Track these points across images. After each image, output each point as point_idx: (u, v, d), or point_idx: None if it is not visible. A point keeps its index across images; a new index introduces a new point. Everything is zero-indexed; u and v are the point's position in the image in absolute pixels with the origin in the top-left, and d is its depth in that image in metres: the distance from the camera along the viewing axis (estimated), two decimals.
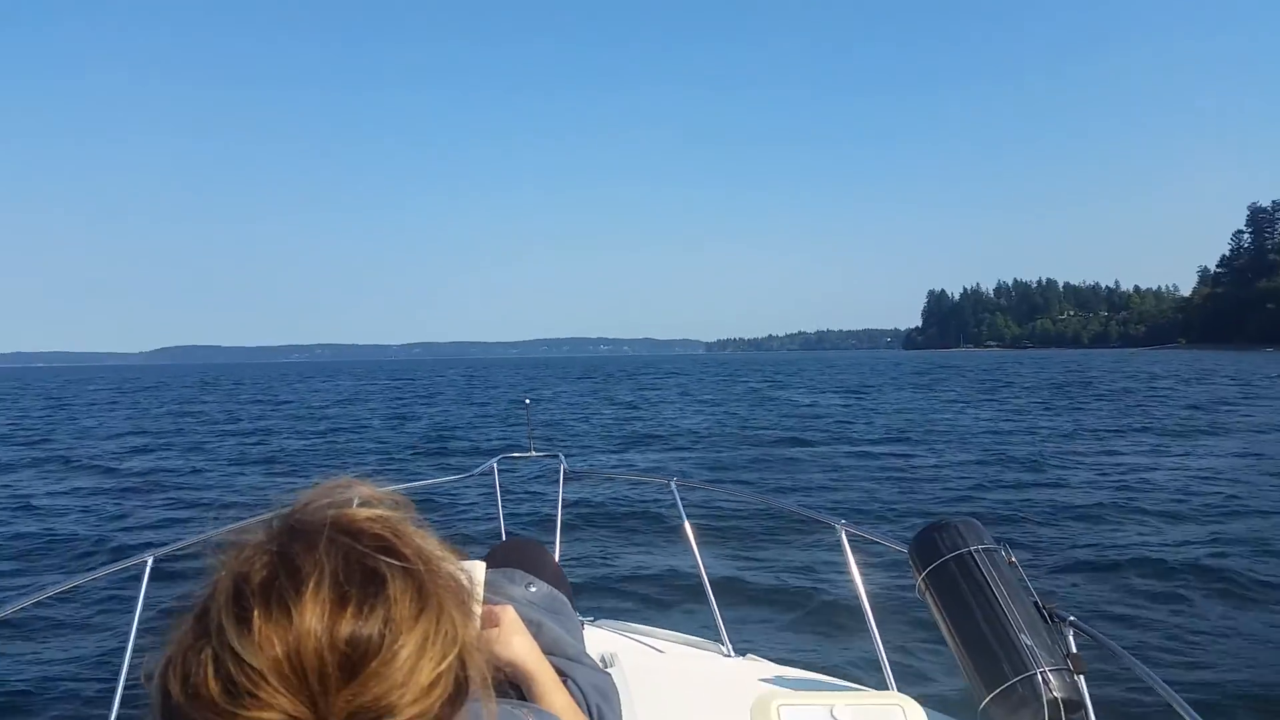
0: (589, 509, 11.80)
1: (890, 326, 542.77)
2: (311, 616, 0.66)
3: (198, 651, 0.67)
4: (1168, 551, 9.39)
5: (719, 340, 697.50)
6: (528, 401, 6.20)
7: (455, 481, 5.09)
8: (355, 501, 0.78)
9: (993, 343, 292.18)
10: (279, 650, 0.65)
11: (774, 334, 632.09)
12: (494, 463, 4.57)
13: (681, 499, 3.78)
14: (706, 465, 18.04)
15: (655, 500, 11.85)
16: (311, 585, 0.68)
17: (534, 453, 4.94)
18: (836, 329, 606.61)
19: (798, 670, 3.03)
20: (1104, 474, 15.25)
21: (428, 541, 0.78)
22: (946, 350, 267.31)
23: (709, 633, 3.43)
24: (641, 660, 3.11)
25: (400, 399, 46.92)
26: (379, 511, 0.77)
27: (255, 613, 0.67)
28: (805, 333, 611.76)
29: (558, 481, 4.42)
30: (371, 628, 0.68)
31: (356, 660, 0.67)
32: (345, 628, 0.67)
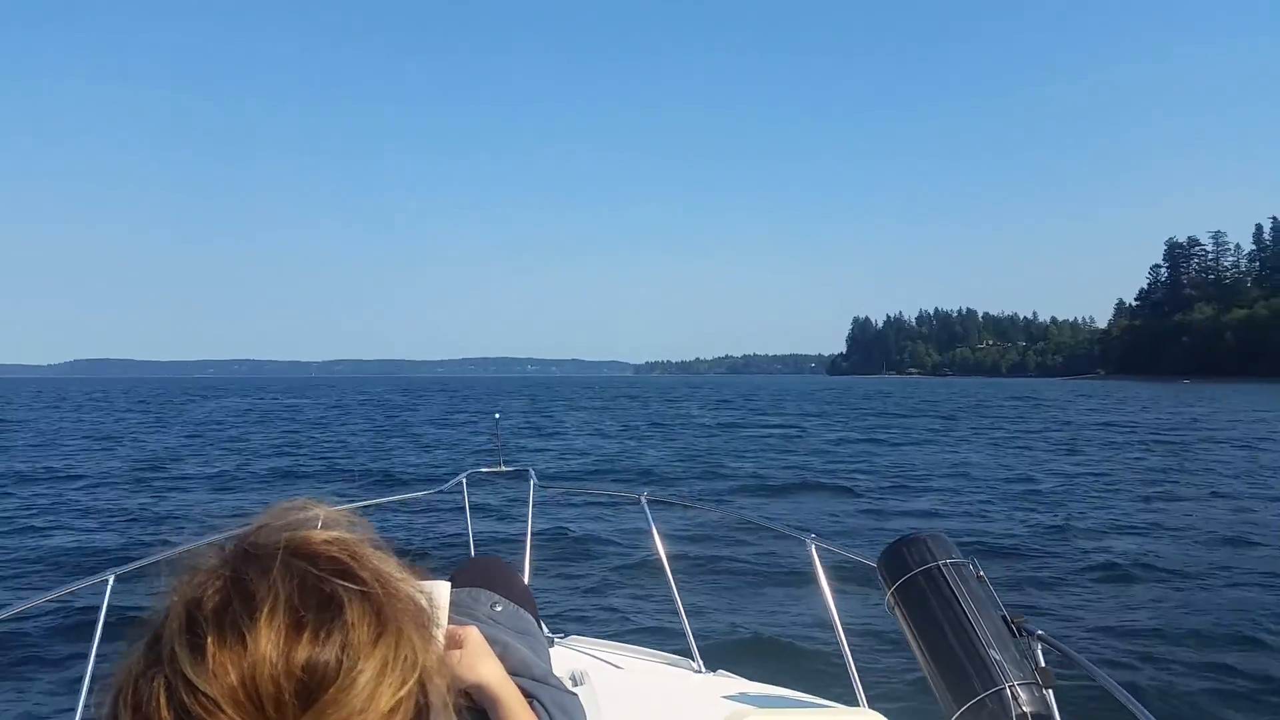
0: (560, 524, 11.74)
1: (815, 352, 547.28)
2: (267, 643, 0.64)
3: (150, 680, 0.65)
4: (1131, 564, 9.53)
5: (647, 362, 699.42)
6: (497, 416, 6.18)
7: (424, 497, 5.04)
8: (313, 523, 0.76)
9: (914, 370, 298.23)
10: (234, 678, 0.63)
11: (701, 357, 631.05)
12: (463, 477, 4.53)
13: (652, 514, 3.77)
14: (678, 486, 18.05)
15: (626, 515, 11.81)
16: (266, 611, 0.66)
17: (504, 467, 4.91)
18: (763, 353, 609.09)
19: (769, 686, 3.02)
20: (1070, 492, 15.45)
21: (386, 563, 0.75)
22: (869, 376, 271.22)
23: (680, 649, 3.41)
24: (611, 678, 3.08)
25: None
26: (335, 534, 0.75)
27: (209, 639, 0.64)
28: (732, 356, 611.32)
29: (528, 496, 4.39)
30: (329, 654, 0.65)
31: (314, 687, 0.64)
32: (301, 654, 0.65)
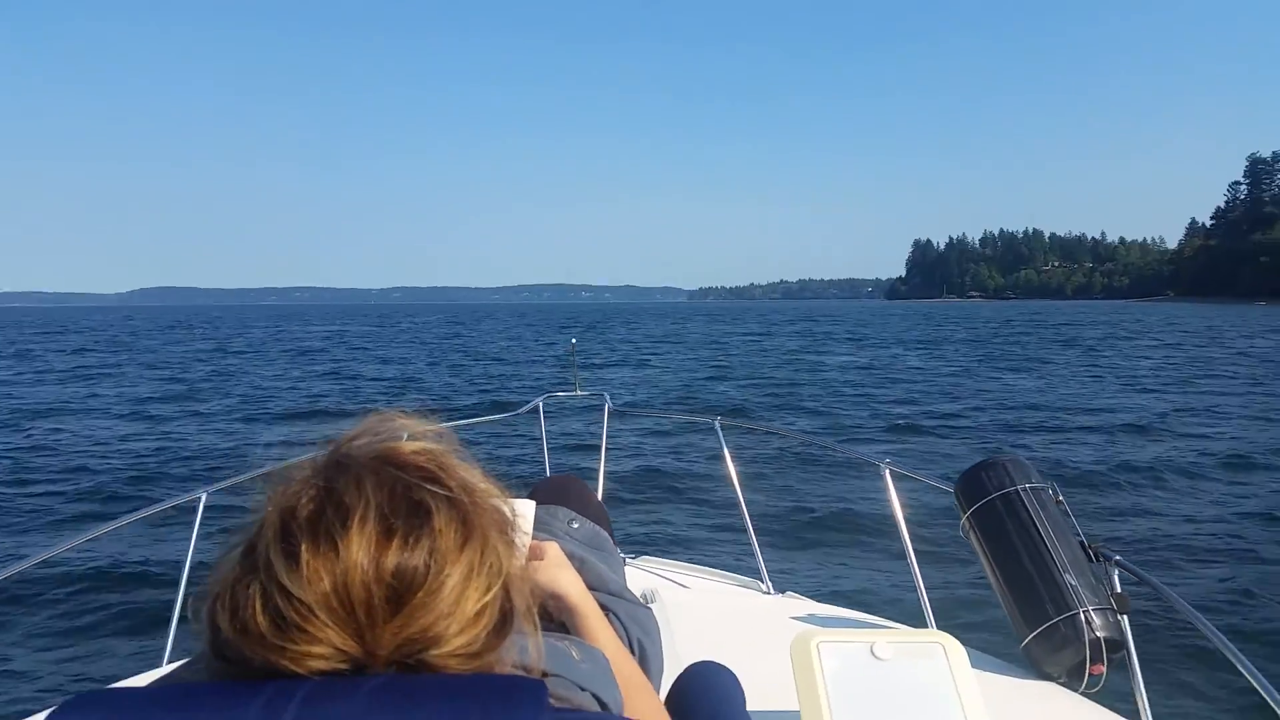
0: (633, 448, 11.89)
1: (872, 276, 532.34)
2: (358, 550, 0.67)
3: (246, 586, 0.68)
4: (1219, 497, 9.25)
5: (700, 288, 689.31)
6: (573, 341, 6.21)
7: (501, 420, 5.13)
8: (401, 435, 0.79)
9: (976, 293, 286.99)
10: (326, 584, 0.66)
11: (756, 282, 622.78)
12: (539, 401, 4.59)
13: (725, 438, 3.78)
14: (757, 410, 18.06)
15: (699, 440, 11.89)
16: (357, 518, 0.69)
17: (579, 391, 4.96)
18: (818, 278, 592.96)
19: (837, 608, 3.05)
20: (1156, 421, 15.00)
21: (471, 474, 0.78)
22: (930, 301, 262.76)
23: (749, 571, 3.46)
24: (682, 597, 3.15)
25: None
26: (424, 445, 0.77)
27: (303, 547, 0.67)
28: (787, 281, 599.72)
29: (602, 420, 4.44)
30: (417, 559, 0.68)
31: (403, 592, 0.68)
32: (391, 560, 0.68)
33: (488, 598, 0.71)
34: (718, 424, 3.92)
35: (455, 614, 0.69)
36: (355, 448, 0.76)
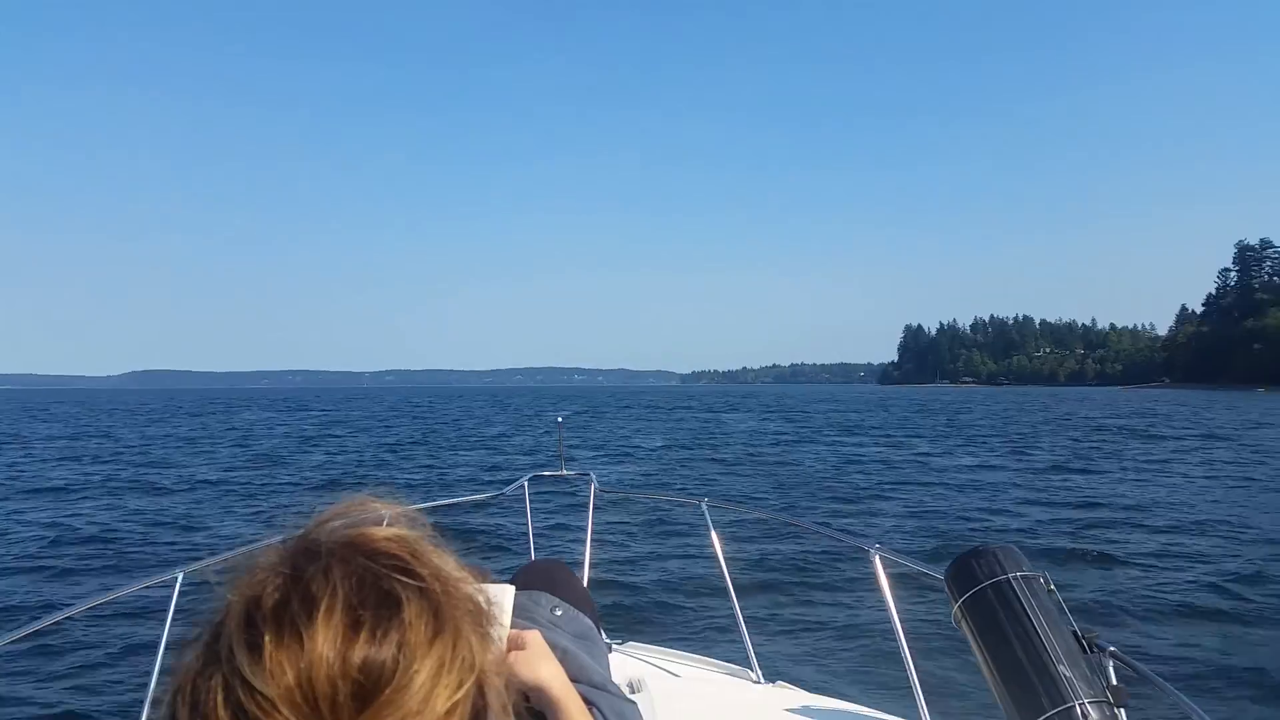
0: (620, 529, 11.76)
1: (864, 361, 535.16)
2: (324, 642, 0.64)
3: (207, 678, 0.64)
4: (1209, 584, 9.17)
5: (693, 372, 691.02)
6: (559, 419, 6.18)
7: (485, 500, 5.07)
8: (374, 520, 0.75)
9: (969, 379, 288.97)
10: (290, 678, 0.63)
11: (749, 366, 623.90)
12: (525, 480, 4.54)
13: (713, 520, 3.74)
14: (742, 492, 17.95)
15: (686, 522, 11.78)
16: (324, 609, 0.65)
17: (565, 471, 4.92)
18: (811, 362, 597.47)
19: (830, 699, 2.97)
20: (1145, 507, 14.97)
21: (445, 562, 0.74)
22: (924, 386, 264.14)
23: (739, 658, 3.38)
24: (670, 686, 3.07)
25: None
26: (396, 531, 0.74)
27: (266, 638, 0.64)
28: (779, 365, 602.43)
29: (588, 501, 4.39)
30: (385, 653, 0.65)
31: (370, 688, 0.64)
32: (358, 653, 0.64)
33: (459, 695, 0.67)
34: (705, 505, 3.87)
35: (424, 712, 0.65)
36: (324, 533, 0.72)
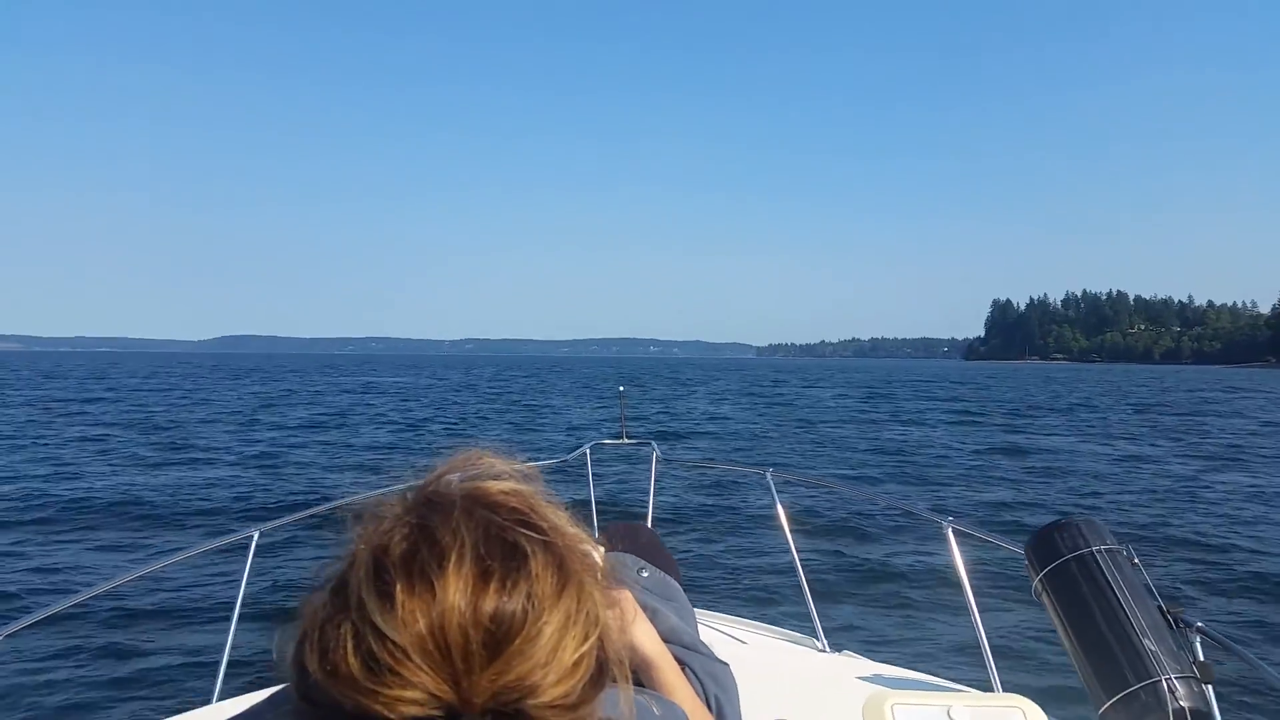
0: (682, 498, 11.78)
1: (947, 336, 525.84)
2: (455, 591, 0.64)
3: (336, 626, 0.65)
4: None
5: (770, 345, 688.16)
6: (621, 390, 6.19)
7: (548, 466, 5.10)
8: (489, 474, 0.75)
9: (1059, 355, 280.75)
10: (422, 626, 0.63)
11: (827, 339, 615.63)
12: (587, 448, 4.56)
13: (777, 490, 3.70)
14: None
15: (750, 491, 11.74)
16: (454, 558, 0.65)
17: (627, 440, 4.92)
18: (892, 337, 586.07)
19: (898, 669, 2.93)
20: (1237, 485, 14.48)
21: (560, 517, 0.74)
22: (1011, 362, 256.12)
23: (804, 627, 3.35)
24: (735, 653, 3.06)
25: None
26: (513, 485, 0.74)
27: (398, 586, 0.64)
28: (859, 339, 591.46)
29: (650, 470, 4.38)
30: (515, 604, 0.65)
31: (501, 637, 0.64)
32: (489, 603, 0.64)
33: (585, 647, 0.67)
34: (769, 476, 3.83)
35: (553, 663, 0.65)
36: (445, 485, 0.73)
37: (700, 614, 3.55)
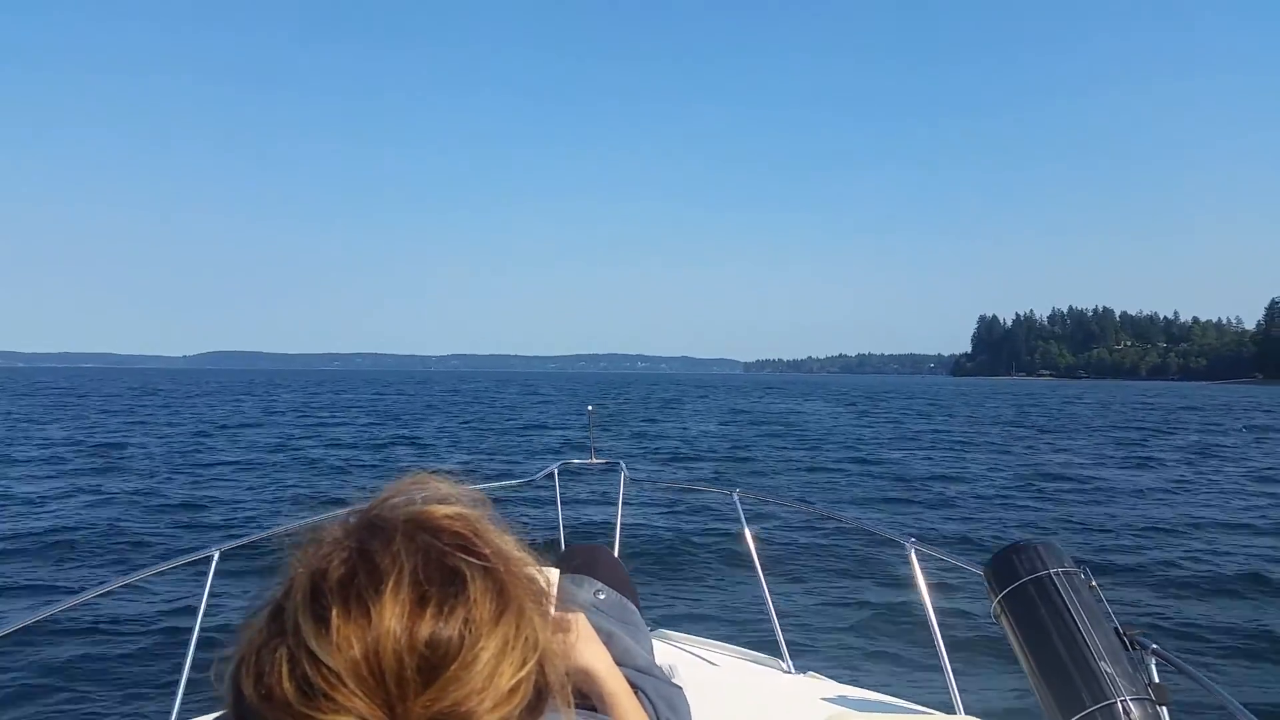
0: (649, 517, 11.76)
1: (934, 352, 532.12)
2: (391, 616, 0.64)
3: (272, 650, 0.65)
4: (1257, 582, 8.99)
5: (757, 360, 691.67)
6: (590, 409, 6.19)
7: (515, 486, 5.08)
8: (434, 498, 0.76)
9: (1046, 372, 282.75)
10: (357, 651, 0.63)
11: (813, 355, 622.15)
12: (554, 468, 4.54)
13: (744, 511, 3.72)
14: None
15: (717, 511, 11.75)
16: (391, 583, 0.65)
17: (595, 459, 4.91)
18: (878, 353, 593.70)
19: (861, 690, 2.94)
20: (1193, 503, 14.72)
21: (506, 541, 0.75)
22: (999, 378, 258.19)
23: (769, 648, 3.36)
24: (700, 674, 3.06)
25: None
26: (458, 509, 0.74)
27: (334, 611, 0.64)
28: (846, 355, 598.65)
29: (618, 490, 4.38)
30: (452, 629, 0.65)
31: (436, 663, 0.64)
32: (425, 629, 0.64)
33: (523, 673, 0.67)
34: (736, 496, 3.85)
35: (489, 689, 0.65)
36: (388, 509, 0.73)
37: (665, 634, 3.55)
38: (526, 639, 0.69)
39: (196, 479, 16.48)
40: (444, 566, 0.67)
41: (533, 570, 0.75)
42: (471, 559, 0.69)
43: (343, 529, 0.71)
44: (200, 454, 21.10)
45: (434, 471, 0.80)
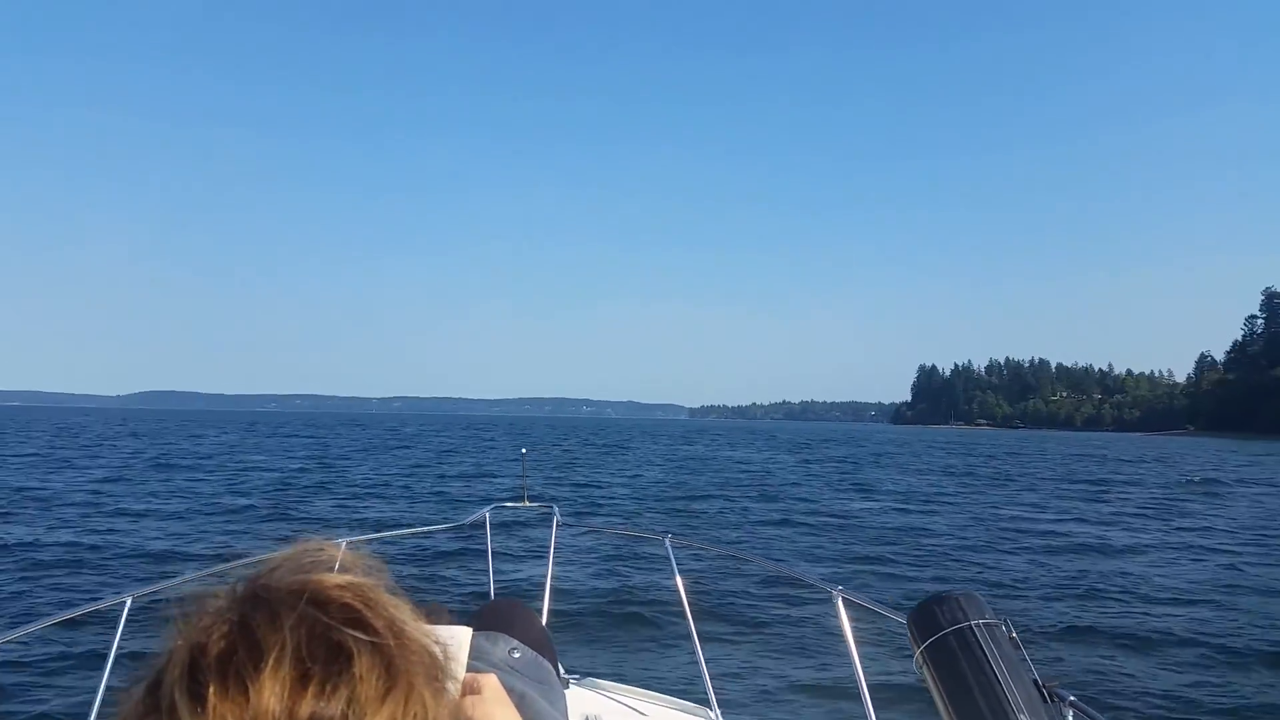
0: (582, 562, 11.66)
1: (875, 400, 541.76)
2: (270, 695, 0.62)
3: None
4: (1167, 629, 9.25)
5: (703, 406, 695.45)
6: (524, 451, 6.14)
7: (446, 530, 5.00)
8: (328, 565, 0.73)
9: (984, 421, 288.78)
10: None
11: (758, 402, 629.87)
12: (486, 511, 4.49)
13: (675, 556, 3.71)
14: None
15: (649, 557, 11.71)
16: (272, 661, 0.63)
17: (528, 503, 4.87)
18: (821, 400, 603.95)
19: None
20: (1108, 552, 15.11)
21: (401, 610, 0.72)
22: (936, 427, 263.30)
23: (699, 697, 3.34)
24: None
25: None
26: (349, 579, 0.71)
27: (210, 689, 0.62)
28: (789, 402, 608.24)
29: (550, 533, 4.35)
30: (334, 708, 0.63)
31: None
32: (306, 708, 0.62)
33: None
34: (668, 542, 3.84)
35: None
36: (275, 579, 0.70)
37: (593, 682, 3.51)
38: (415, 716, 0.66)
39: (105, 525, 15.88)
40: (329, 642, 0.65)
41: (428, 641, 0.72)
42: (359, 634, 0.67)
43: (227, 598, 0.69)
44: (107, 501, 20.35)
45: (328, 538, 0.78)
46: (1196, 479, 35.81)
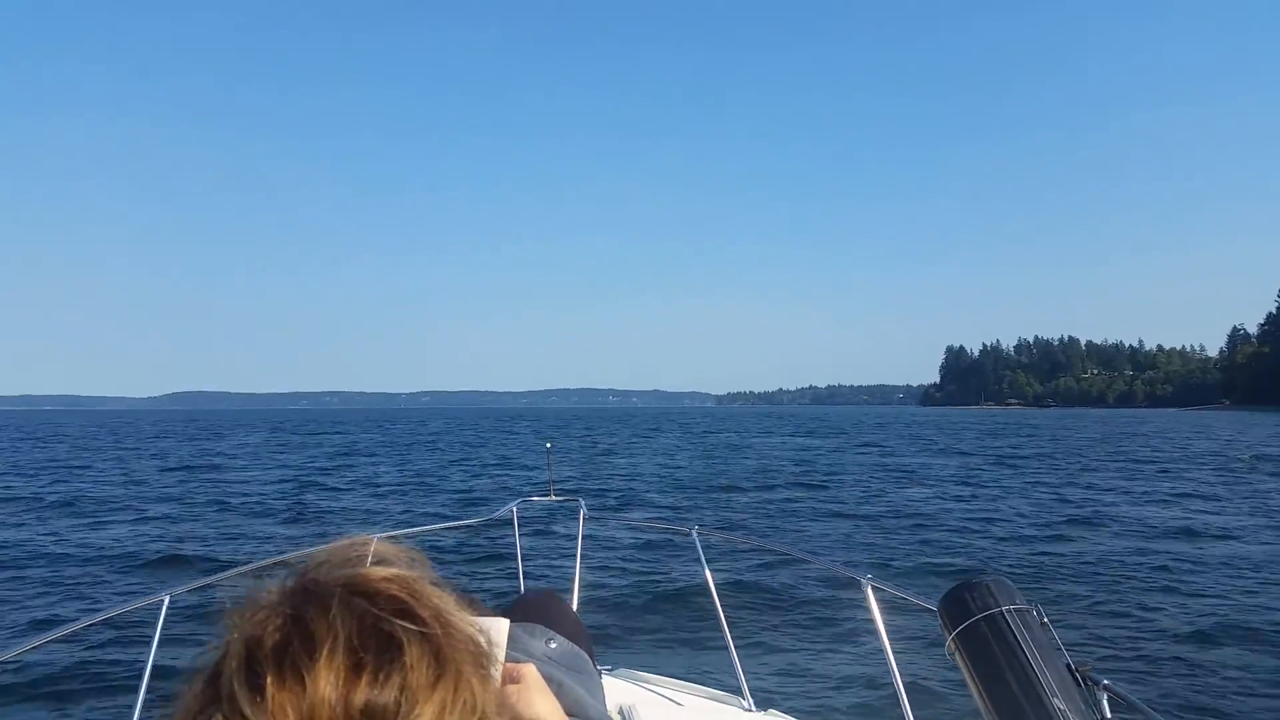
0: (609, 555, 11.70)
1: (902, 383, 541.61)
2: (326, 684, 0.64)
3: (208, 718, 0.65)
4: (1206, 614, 9.14)
5: (729, 393, 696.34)
6: (549, 445, 6.17)
7: (475, 525, 5.05)
8: (370, 560, 0.76)
9: (1014, 401, 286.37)
10: (292, 719, 0.63)
11: (784, 387, 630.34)
12: (514, 505, 4.53)
13: (703, 548, 3.73)
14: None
15: (677, 548, 11.73)
16: (326, 651, 0.65)
17: (554, 496, 4.90)
18: (848, 384, 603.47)
19: None
20: (1146, 536, 14.92)
21: (445, 601, 0.74)
22: (967, 408, 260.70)
23: (730, 685, 3.36)
24: (660, 713, 3.04)
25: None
26: (395, 571, 0.74)
27: (269, 679, 0.64)
28: (816, 387, 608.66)
29: (577, 526, 4.37)
30: (387, 696, 0.65)
31: None
32: (360, 696, 0.64)
33: None
34: (695, 534, 3.86)
35: None
36: (323, 573, 0.73)
37: (625, 673, 3.53)
38: (464, 703, 0.69)
39: (152, 520, 16.11)
40: (380, 632, 0.68)
41: (473, 631, 0.75)
42: (408, 624, 0.69)
43: (278, 592, 0.71)
44: (156, 494, 20.64)
45: (370, 533, 0.80)
46: (1248, 455, 35.21)
